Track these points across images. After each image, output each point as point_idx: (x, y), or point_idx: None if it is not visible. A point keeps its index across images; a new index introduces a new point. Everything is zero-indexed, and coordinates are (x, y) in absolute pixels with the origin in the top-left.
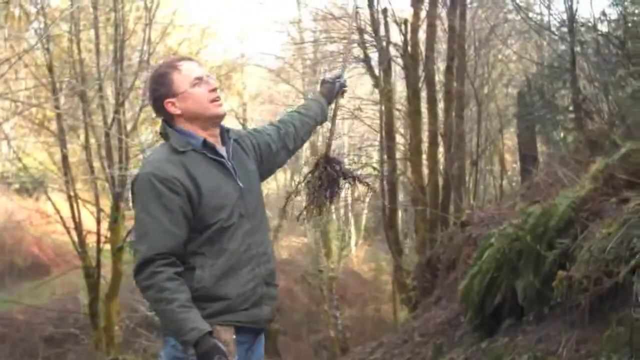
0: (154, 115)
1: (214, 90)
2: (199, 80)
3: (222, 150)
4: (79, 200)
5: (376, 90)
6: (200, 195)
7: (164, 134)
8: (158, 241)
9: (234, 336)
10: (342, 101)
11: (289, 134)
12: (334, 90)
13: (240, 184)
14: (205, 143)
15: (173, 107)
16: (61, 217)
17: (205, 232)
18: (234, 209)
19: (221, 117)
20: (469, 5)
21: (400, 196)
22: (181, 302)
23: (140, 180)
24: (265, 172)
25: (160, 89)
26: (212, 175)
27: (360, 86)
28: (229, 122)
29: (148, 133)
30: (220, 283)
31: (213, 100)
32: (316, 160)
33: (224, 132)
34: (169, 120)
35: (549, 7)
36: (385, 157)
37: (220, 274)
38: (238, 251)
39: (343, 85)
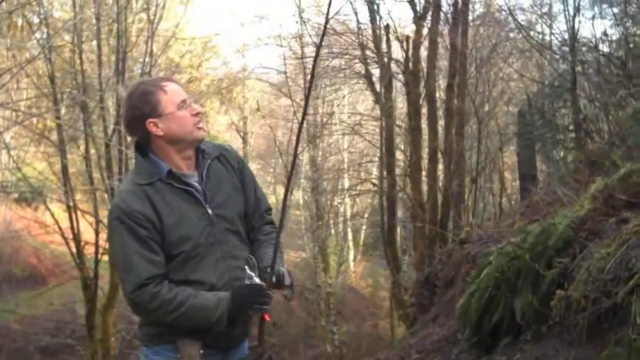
0: None
1: (197, 114)
2: (184, 103)
3: (192, 175)
4: (78, 211)
5: (377, 106)
6: (163, 228)
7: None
8: (143, 269)
9: (202, 351)
10: (342, 116)
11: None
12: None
13: (210, 211)
14: (170, 173)
15: (155, 127)
16: (60, 228)
17: (173, 261)
18: (199, 239)
19: (201, 141)
20: (470, 23)
21: (399, 212)
22: (193, 297)
23: (110, 212)
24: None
25: (144, 108)
26: (176, 207)
27: (361, 102)
28: (230, 136)
29: None
30: None
31: (195, 124)
32: None
33: (200, 153)
34: (144, 140)
35: (550, 27)
36: (384, 173)
37: None
38: (209, 280)
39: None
